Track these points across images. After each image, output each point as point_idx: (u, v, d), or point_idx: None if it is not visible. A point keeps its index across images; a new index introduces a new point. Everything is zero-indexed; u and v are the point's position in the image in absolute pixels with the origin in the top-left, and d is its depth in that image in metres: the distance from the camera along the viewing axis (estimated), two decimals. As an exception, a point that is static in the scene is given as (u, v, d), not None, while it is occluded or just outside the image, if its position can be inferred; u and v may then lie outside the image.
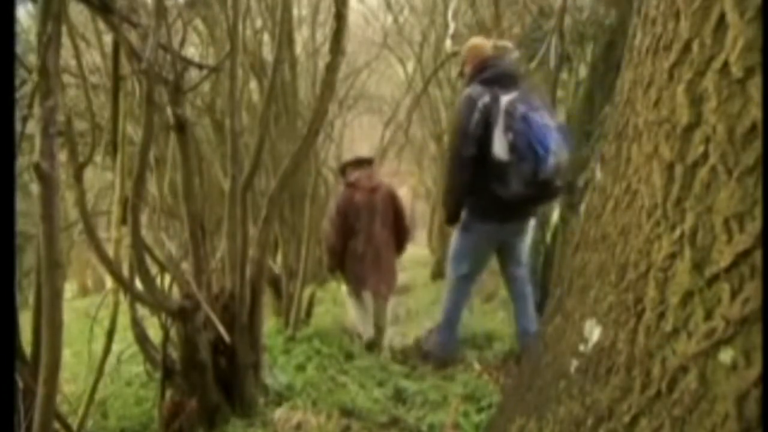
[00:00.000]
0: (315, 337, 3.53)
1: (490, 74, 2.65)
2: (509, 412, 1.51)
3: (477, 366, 3.10)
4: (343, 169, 3.97)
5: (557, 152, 2.43)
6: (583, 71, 4.22)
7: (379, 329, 3.97)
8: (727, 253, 0.92)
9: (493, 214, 2.71)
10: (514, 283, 3.03)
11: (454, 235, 2.95)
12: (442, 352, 2.99)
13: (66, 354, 2.40)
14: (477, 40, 2.97)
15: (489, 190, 2.56)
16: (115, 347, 2.30)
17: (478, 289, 5.62)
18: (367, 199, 3.72)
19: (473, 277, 2.98)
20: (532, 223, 2.88)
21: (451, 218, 2.82)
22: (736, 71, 0.93)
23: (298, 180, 4.08)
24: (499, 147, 2.47)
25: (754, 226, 0.89)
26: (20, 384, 1.67)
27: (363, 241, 3.75)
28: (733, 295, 0.90)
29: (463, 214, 2.79)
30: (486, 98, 2.56)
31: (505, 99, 2.53)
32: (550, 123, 2.48)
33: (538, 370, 1.43)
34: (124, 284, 2.01)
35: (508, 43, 3.88)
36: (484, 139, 2.53)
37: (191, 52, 4.58)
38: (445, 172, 2.77)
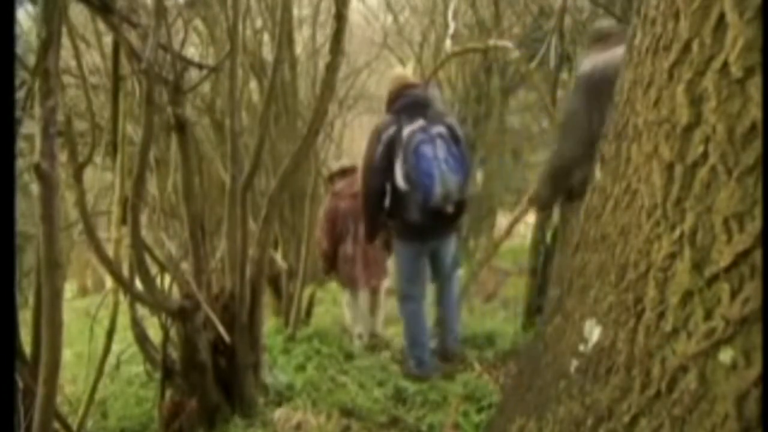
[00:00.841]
0: (315, 337, 3.53)
1: (399, 105, 2.79)
2: (509, 412, 1.51)
3: (477, 366, 3.10)
4: (331, 179, 4.11)
5: (444, 182, 2.61)
6: (583, 71, 4.22)
7: (377, 322, 4.11)
8: (726, 253, 0.92)
9: (410, 236, 2.93)
10: (441, 292, 3.21)
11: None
12: (421, 372, 3.00)
13: (66, 354, 2.41)
14: (398, 71, 3.15)
15: (399, 216, 2.79)
16: (115, 347, 2.30)
17: (477, 290, 5.63)
18: (350, 205, 3.83)
19: (416, 293, 3.09)
20: (453, 238, 3.09)
21: (368, 239, 3.12)
22: (736, 71, 0.93)
23: (298, 180, 4.09)
24: (399, 177, 2.68)
25: (753, 226, 0.89)
26: (20, 384, 1.67)
27: (351, 244, 3.94)
28: (733, 295, 0.90)
29: (393, 237, 3.09)
30: (391, 130, 2.73)
31: (407, 130, 2.67)
32: (440, 154, 2.65)
33: (538, 370, 1.43)
34: (123, 284, 2.01)
35: (508, 43, 3.88)
36: (389, 170, 2.71)
37: (191, 52, 4.58)
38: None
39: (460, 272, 3.29)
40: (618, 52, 1.98)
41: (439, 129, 2.70)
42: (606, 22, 2.64)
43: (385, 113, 2.89)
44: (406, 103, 2.77)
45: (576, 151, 2.17)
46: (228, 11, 2.49)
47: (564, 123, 2.32)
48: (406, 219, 2.76)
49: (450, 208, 2.69)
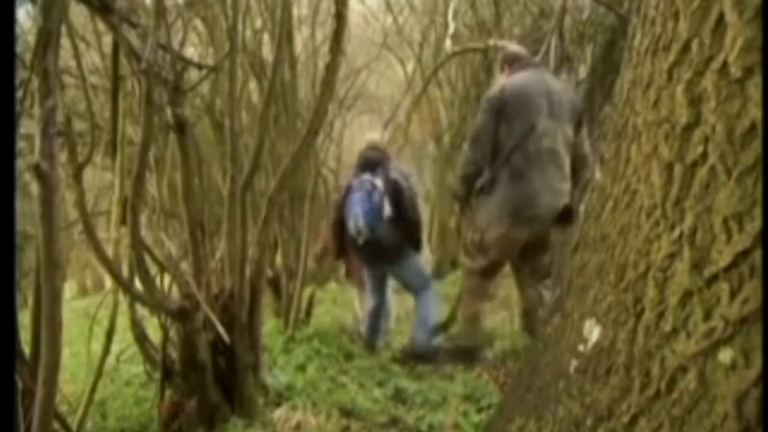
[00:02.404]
0: (315, 338, 3.53)
1: (357, 162, 3.55)
2: (509, 412, 1.51)
3: (477, 366, 3.10)
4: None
5: (356, 221, 3.30)
6: (583, 71, 4.22)
7: (389, 320, 4.22)
8: (726, 252, 0.92)
9: (364, 260, 3.66)
10: (415, 304, 3.71)
11: None
12: (368, 343, 3.74)
13: (65, 354, 2.40)
14: (367, 137, 3.86)
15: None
16: (115, 347, 2.30)
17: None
18: None
19: (375, 302, 3.79)
20: (407, 261, 3.54)
21: (335, 257, 3.92)
22: (735, 71, 0.93)
23: (298, 180, 4.09)
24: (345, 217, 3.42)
25: (753, 226, 0.89)
26: (19, 384, 1.67)
27: None
28: (733, 295, 0.90)
29: None
30: (349, 181, 3.55)
31: (354, 180, 3.43)
32: (359, 199, 3.31)
33: (538, 370, 1.43)
34: (123, 284, 2.01)
35: (508, 44, 3.88)
36: (343, 206, 3.46)
37: (191, 52, 4.58)
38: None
39: (431, 289, 3.70)
40: (518, 76, 2.65)
41: (375, 182, 3.32)
42: (514, 47, 3.01)
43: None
44: (360, 160, 3.51)
45: (482, 159, 2.63)
46: (228, 11, 2.49)
47: (472, 137, 2.71)
48: (357, 244, 3.43)
49: (361, 240, 3.33)
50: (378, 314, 3.80)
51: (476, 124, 2.66)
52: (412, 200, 3.36)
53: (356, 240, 3.36)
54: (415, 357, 3.40)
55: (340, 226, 3.52)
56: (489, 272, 2.80)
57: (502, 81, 2.71)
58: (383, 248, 3.37)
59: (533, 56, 2.95)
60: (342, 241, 3.57)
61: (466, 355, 2.90)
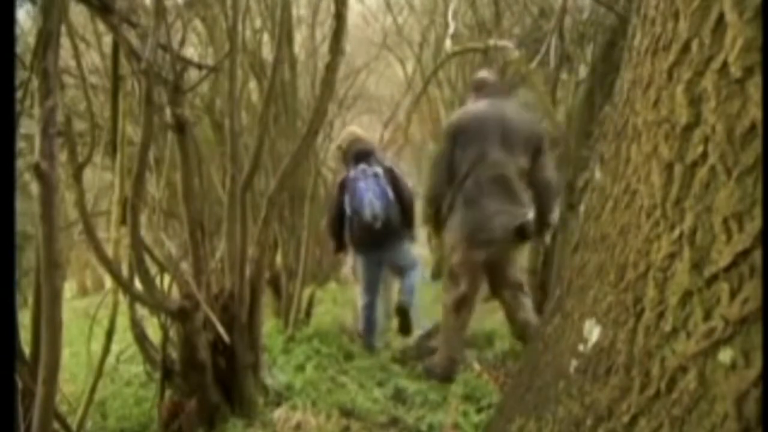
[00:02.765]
0: (314, 337, 3.53)
1: (350, 155, 3.68)
2: (508, 412, 1.51)
3: (477, 366, 3.11)
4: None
5: (371, 206, 3.46)
6: (583, 71, 4.22)
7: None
8: (726, 252, 0.92)
9: (359, 249, 3.77)
10: (401, 283, 3.91)
11: None
12: (366, 342, 3.86)
13: (65, 354, 2.40)
14: (350, 129, 4.05)
15: (350, 234, 3.66)
16: (115, 347, 2.30)
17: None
18: None
19: (370, 299, 3.87)
20: (404, 246, 3.81)
21: (335, 251, 4.10)
22: (735, 71, 0.93)
23: (298, 180, 4.09)
24: (347, 206, 3.56)
25: (753, 226, 0.89)
26: (19, 384, 1.66)
27: None
28: (733, 295, 0.90)
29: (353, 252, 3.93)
30: (343, 174, 3.71)
31: (351, 172, 3.58)
32: (369, 186, 3.51)
33: (538, 370, 1.43)
34: (123, 284, 2.01)
35: (508, 43, 3.88)
36: (342, 201, 3.60)
37: (190, 52, 4.58)
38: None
39: (419, 269, 4.00)
40: (477, 105, 2.84)
41: (375, 170, 3.56)
42: (483, 73, 3.15)
43: (342, 162, 3.83)
44: (355, 151, 3.65)
45: (442, 185, 2.83)
46: (227, 11, 2.49)
47: (433, 162, 2.93)
48: (353, 236, 3.63)
49: (378, 225, 3.48)
50: (373, 310, 3.88)
51: (437, 151, 2.91)
52: (406, 184, 3.69)
53: (372, 226, 3.47)
54: (415, 356, 3.46)
55: (340, 220, 3.65)
56: (461, 305, 2.88)
57: (461, 109, 3.03)
58: (391, 232, 3.57)
59: (498, 81, 3.14)
60: (342, 236, 3.73)
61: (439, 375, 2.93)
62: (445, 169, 2.76)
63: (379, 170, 3.57)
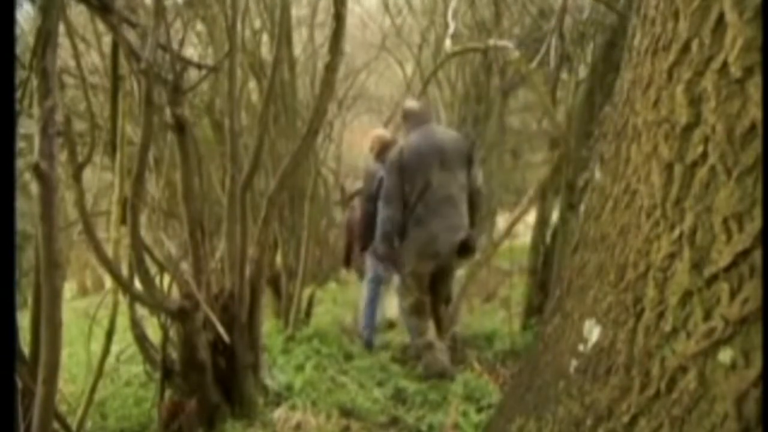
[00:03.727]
0: (314, 338, 3.53)
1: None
2: (508, 412, 1.51)
3: (477, 366, 3.10)
4: (351, 198, 5.02)
5: None
6: (583, 71, 4.22)
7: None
8: (726, 252, 0.92)
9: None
10: None
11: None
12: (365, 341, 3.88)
13: (65, 354, 2.40)
14: (378, 132, 4.13)
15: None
16: (115, 347, 2.29)
17: (477, 290, 5.63)
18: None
19: (379, 282, 4.07)
20: None
21: (362, 248, 3.98)
22: (735, 71, 0.93)
23: (298, 180, 4.09)
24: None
25: (753, 226, 0.89)
26: (19, 384, 1.66)
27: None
28: (733, 295, 0.90)
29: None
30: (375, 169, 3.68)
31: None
32: None
33: (538, 370, 1.43)
34: (123, 284, 2.01)
35: (508, 44, 3.88)
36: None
37: (190, 52, 4.58)
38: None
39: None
40: (412, 137, 3.13)
41: None
42: (410, 103, 3.44)
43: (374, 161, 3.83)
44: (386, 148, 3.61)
45: (397, 215, 3.06)
46: (227, 11, 2.49)
47: (384, 196, 3.11)
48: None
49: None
50: (376, 306, 3.95)
51: (386, 185, 3.13)
52: None
53: None
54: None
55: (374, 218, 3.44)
56: (418, 309, 3.18)
57: (401, 143, 3.25)
58: None
59: (427, 110, 3.49)
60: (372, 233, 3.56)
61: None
62: (399, 199, 3.07)
63: None
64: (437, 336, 3.16)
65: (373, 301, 3.97)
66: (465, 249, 3.04)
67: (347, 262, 4.83)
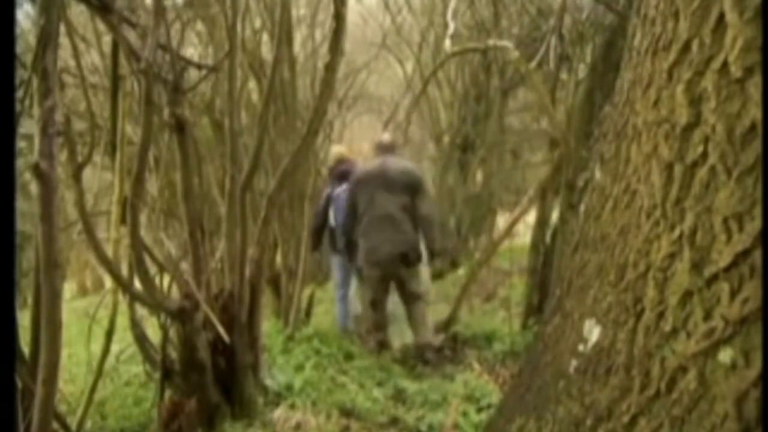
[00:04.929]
0: (314, 337, 3.52)
1: (336, 173, 4.29)
2: (508, 412, 1.51)
3: (477, 366, 3.11)
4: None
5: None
6: (582, 71, 4.22)
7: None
8: (726, 253, 0.92)
9: (339, 252, 4.27)
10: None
11: None
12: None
13: (65, 354, 2.40)
14: (336, 149, 4.63)
15: (331, 239, 4.43)
16: (114, 347, 2.29)
17: (477, 290, 5.64)
18: None
19: (346, 283, 4.50)
20: None
21: (313, 249, 4.41)
22: (735, 71, 0.93)
23: (298, 180, 4.09)
24: (331, 219, 4.25)
25: (753, 226, 0.89)
26: (19, 384, 1.66)
27: None
28: (733, 295, 0.90)
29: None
30: (328, 190, 4.32)
31: (336, 190, 4.18)
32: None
33: (538, 370, 1.43)
34: (123, 284, 2.00)
35: (507, 44, 3.88)
36: (328, 213, 4.31)
37: (191, 52, 4.58)
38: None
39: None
40: (367, 163, 3.83)
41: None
42: (385, 137, 4.03)
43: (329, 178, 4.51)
44: (338, 173, 4.23)
45: (351, 224, 3.73)
46: (227, 11, 2.49)
47: (345, 208, 3.77)
48: (333, 242, 4.25)
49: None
50: (347, 300, 4.48)
51: (347, 199, 3.79)
52: None
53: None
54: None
55: (322, 229, 4.36)
56: (374, 305, 3.71)
57: (360, 165, 4.02)
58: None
59: (401, 140, 4.48)
60: (321, 240, 4.45)
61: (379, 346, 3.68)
62: (352, 211, 3.70)
63: None
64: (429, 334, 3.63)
65: (344, 298, 4.47)
66: (406, 260, 3.51)
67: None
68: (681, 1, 1.05)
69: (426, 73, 6.76)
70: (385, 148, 3.82)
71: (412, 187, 3.58)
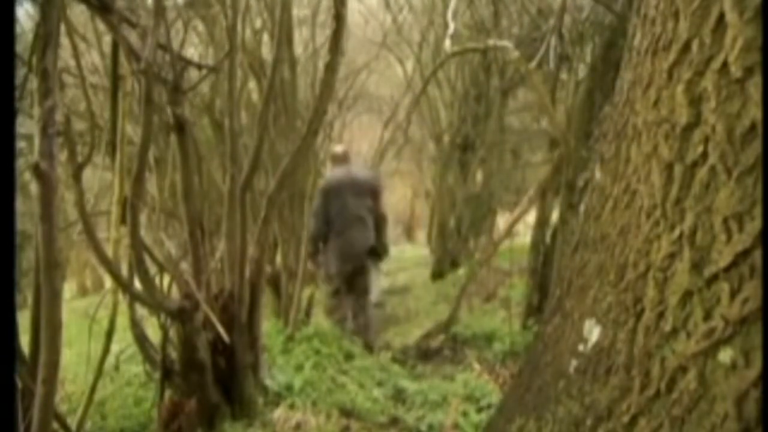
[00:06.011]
0: (314, 337, 3.52)
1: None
2: (508, 412, 1.51)
3: (477, 366, 3.11)
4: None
5: None
6: (582, 71, 4.22)
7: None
8: (726, 252, 0.92)
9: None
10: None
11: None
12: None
13: (65, 354, 2.39)
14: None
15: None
16: (114, 347, 2.29)
17: (477, 290, 5.64)
18: None
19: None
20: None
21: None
22: (736, 71, 0.93)
23: (298, 180, 4.09)
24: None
25: (753, 226, 0.89)
26: (19, 384, 1.66)
27: None
28: (733, 295, 0.90)
29: None
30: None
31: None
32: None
33: (538, 370, 1.43)
34: (122, 284, 2.00)
35: (507, 44, 3.88)
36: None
37: (191, 52, 4.59)
38: None
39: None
40: (335, 171, 4.26)
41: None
42: (338, 148, 4.54)
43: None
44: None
45: (321, 228, 4.08)
46: (227, 11, 2.49)
47: (313, 213, 4.07)
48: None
49: None
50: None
51: (315, 206, 4.10)
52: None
53: None
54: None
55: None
56: (337, 293, 4.25)
57: (328, 174, 4.45)
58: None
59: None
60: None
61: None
62: (323, 216, 4.06)
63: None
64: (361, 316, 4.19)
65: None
66: (373, 253, 4.14)
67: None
68: (681, 1, 1.05)
69: (426, 72, 6.75)
70: (341, 159, 4.38)
71: (373, 191, 4.22)
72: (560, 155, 3.66)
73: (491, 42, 4.27)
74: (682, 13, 1.04)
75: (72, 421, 1.96)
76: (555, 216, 3.97)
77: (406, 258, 8.44)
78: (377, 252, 4.19)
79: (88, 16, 2.46)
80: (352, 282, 4.18)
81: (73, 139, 1.88)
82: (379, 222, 4.23)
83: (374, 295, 4.71)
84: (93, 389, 2.02)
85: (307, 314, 4.29)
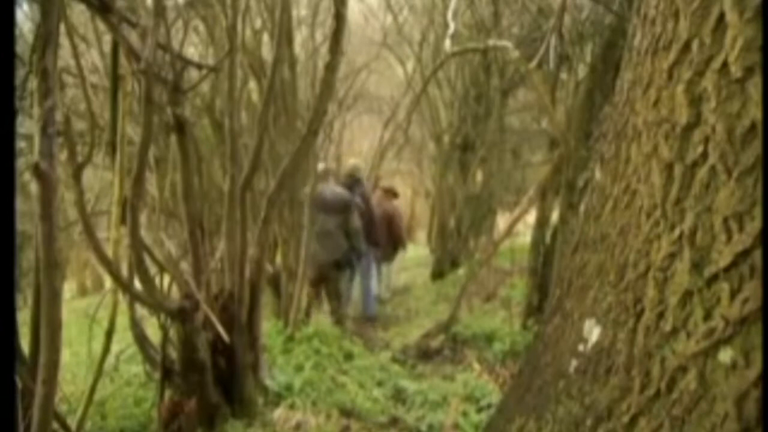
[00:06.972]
0: (314, 337, 3.52)
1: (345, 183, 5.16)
2: (508, 412, 1.51)
3: (477, 366, 3.11)
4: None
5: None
6: (582, 71, 4.22)
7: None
8: (726, 252, 0.92)
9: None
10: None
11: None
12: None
13: (65, 354, 2.40)
14: (351, 162, 5.62)
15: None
16: (114, 347, 2.29)
17: (477, 290, 5.64)
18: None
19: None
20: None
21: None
22: (735, 71, 0.93)
23: (298, 180, 4.09)
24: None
25: (753, 226, 0.89)
26: (19, 384, 1.66)
27: None
28: (733, 295, 0.90)
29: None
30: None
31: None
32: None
33: (538, 370, 1.43)
34: (123, 284, 2.00)
35: (507, 44, 3.88)
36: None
37: (191, 52, 4.59)
38: None
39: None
40: (320, 187, 4.47)
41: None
42: (320, 165, 4.63)
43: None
44: (350, 183, 5.13)
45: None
46: (227, 11, 2.49)
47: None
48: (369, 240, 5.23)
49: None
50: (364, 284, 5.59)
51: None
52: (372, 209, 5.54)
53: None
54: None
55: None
56: (315, 284, 4.71)
57: (320, 187, 4.72)
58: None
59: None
60: None
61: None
62: (314, 225, 4.36)
63: (359, 199, 5.11)
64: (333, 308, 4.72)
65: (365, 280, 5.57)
66: (338, 264, 4.63)
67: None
68: (681, 1, 1.05)
69: (426, 72, 6.75)
70: (321, 177, 4.72)
71: (344, 208, 4.69)
72: (560, 155, 3.66)
73: (491, 42, 4.27)
74: (682, 13, 1.04)
75: (72, 421, 1.96)
76: (555, 216, 3.96)
77: (407, 258, 8.43)
78: (341, 263, 4.71)
79: (88, 16, 2.46)
80: (319, 288, 4.78)
81: (73, 139, 1.88)
82: (351, 235, 4.77)
83: (376, 288, 5.36)
84: (93, 389, 2.02)
85: (307, 314, 4.29)
